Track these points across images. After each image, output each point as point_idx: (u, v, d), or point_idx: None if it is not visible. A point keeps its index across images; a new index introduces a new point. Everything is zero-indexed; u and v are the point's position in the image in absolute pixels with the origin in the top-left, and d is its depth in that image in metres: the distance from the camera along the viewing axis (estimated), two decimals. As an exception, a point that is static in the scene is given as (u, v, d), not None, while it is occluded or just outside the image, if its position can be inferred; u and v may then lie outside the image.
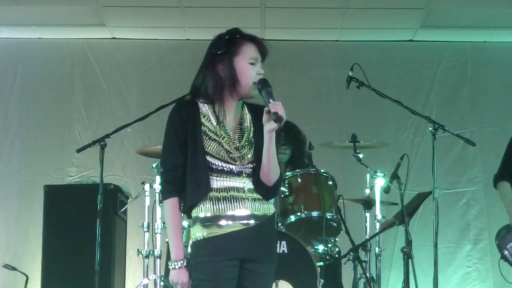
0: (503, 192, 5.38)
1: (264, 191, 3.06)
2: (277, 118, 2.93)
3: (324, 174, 5.14)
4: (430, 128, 4.67)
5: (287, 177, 5.11)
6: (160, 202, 5.10)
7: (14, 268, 6.24)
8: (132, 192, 6.16)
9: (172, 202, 3.03)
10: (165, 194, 3.06)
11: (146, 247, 5.22)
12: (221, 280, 2.97)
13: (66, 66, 7.33)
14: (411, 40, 7.42)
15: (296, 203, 5.02)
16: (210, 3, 6.73)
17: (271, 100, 2.97)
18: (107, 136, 4.81)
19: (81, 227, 5.57)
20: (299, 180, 5.07)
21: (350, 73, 4.99)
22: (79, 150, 4.91)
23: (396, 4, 6.77)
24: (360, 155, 5.32)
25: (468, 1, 6.82)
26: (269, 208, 3.09)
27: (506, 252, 5.24)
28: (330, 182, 5.13)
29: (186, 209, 3.06)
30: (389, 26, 7.20)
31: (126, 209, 5.96)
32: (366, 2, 6.75)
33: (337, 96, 7.15)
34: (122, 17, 7.05)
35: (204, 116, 3.06)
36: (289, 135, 5.61)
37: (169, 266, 3.04)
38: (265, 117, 2.99)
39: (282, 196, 5.07)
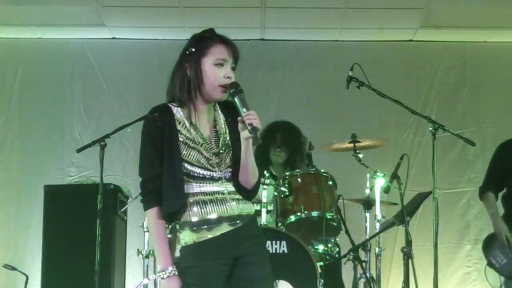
0: (487, 201, 5.49)
1: (246, 193, 3.08)
2: (252, 129, 2.90)
3: (324, 174, 5.14)
4: (430, 128, 4.67)
5: (287, 177, 5.11)
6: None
7: (14, 268, 6.22)
8: (132, 192, 6.16)
9: (155, 212, 3.01)
10: (147, 203, 3.03)
11: (146, 247, 5.22)
12: (211, 285, 2.95)
13: (66, 66, 7.33)
14: (411, 40, 7.43)
15: (296, 203, 5.02)
16: (210, 3, 6.73)
17: (244, 110, 2.93)
18: (107, 136, 4.81)
19: (81, 227, 5.57)
20: (299, 180, 5.07)
21: (350, 73, 4.98)
22: (79, 150, 4.92)
23: (396, 4, 6.77)
24: (360, 155, 5.32)
25: (468, 1, 6.82)
26: (251, 207, 3.10)
27: (491, 259, 5.33)
28: (330, 182, 5.13)
29: (166, 219, 3.02)
30: (389, 26, 7.20)
31: (126, 209, 5.96)
32: (366, 2, 6.75)
33: (337, 96, 7.15)
34: (122, 17, 7.05)
35: (179, 123, 3.03)
36: (286, 137, 5.60)
37: (158, 277, 3.00)
38: (240, 126, 2.96)
39: (282, 196, 5.07)
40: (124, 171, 7.11)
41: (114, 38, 7.37)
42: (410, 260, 4.66)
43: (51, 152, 7.18)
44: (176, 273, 2.96)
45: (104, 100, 7.28)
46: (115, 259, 5.78)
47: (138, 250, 5.28)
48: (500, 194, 5.58)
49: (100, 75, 7.30)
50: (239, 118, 2.94)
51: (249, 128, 2.90)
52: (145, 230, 5.23)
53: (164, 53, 7.31)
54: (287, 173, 5.16)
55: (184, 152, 2.99)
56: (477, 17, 7.06)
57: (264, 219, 4.91)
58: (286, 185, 5.06)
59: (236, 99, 2.96)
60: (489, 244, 5.42)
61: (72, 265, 5.64)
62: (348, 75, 4.99)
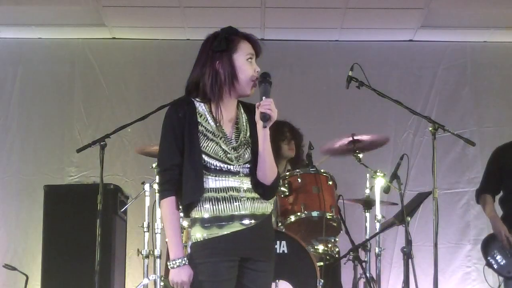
0: (485, 202, 5.54)
1: (263, 190, 3.08)
2: (262, 117, 2.96)
3: (324, 174, 5.14)
4: (430, 128, 4.67)
5: (287, 177, 5.11)
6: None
7: (14, 268, 6.23)
8: (132, 192, 6.16)
9: (170, 201, 3.03)
10: (163, 193, 3.05)
11: (146, 247, 5.22)
12: (221, 281, 2.98)
13: (66, 66, 7.33)
14: (411, 40, 7.42)
15: (296, 203, 5.02)
16: (210, 3, 6.73)
17: (263, 98, 3.00)
18: (107, 136, 4.81)
19: (81, 227, 5.58)
20: (299, 180, 5.07)
21: (350, 73, 4.99)
22: (79, 150, 4.92)
23: (396, 4, 6.77)
24: (360, 155, 5.32)
25: (468, 1, 6.82)
26: (267, 207, 3.11)
27: (490, 259, 5.35)
28: (330, 182, 5.13)
29: (184, 210, 3.06)
30: (389, 26, 7.20)
31: (126, 209, 5.96)
32: (366, 2, 6.75)
33: (337, 96, 7.14)
34: (122, 17, 7.04)
35: (201, 116, 3.07)
36: (293, 131, 5.63)
37: (168, 266, 3.03)
38: (257, 113, 3.02)
39: (282, 196, 5.07)
40: (124, 171, 7.10)
41: (114, 38, 7.37)
42: (410, 260, 4.67)
43: (51, 152, 7.17)
44: (187, 263, 2.99)
45: (104, 100, 7.28)
46: (115, 259, 5.78)
47: (138, 250, 5.28)
48: (497, 197, 5.60)
49: (100, 75, 7.30)
50: (256, 104, 3.01)
51: (260, 116, 2.97)
52: (145, 230, 5.23)
53: (164, 53, 7.33)
54: (287, 173, 5.16)
55: (202, 144, 3.02)
56: (477, 17, 7.06)
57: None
58: (286, 185, 5.06)
59: (261, 87, 3.04)
60: (488, 245, 5.44)
61: (72, 265, 5.65)
62: (348, 75, 4.99)
